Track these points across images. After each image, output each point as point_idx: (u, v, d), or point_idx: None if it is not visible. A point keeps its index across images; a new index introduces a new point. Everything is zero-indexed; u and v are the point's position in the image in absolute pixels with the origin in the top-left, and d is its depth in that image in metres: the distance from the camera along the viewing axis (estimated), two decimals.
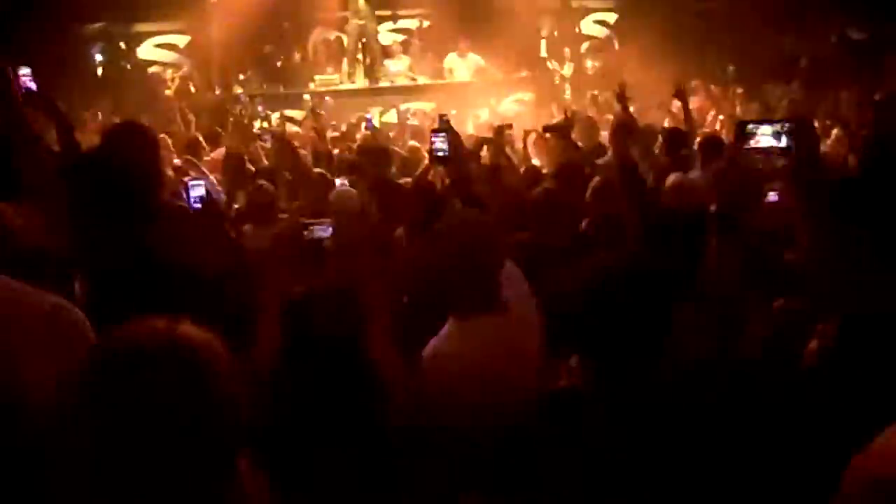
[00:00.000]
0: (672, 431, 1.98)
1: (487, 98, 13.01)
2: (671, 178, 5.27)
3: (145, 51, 13.89)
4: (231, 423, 1.29)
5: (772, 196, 5.15)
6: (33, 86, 3.05)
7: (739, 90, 11.51)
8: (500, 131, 6.02)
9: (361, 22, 13.43)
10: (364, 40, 13.60)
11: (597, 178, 5.09)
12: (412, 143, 8.23)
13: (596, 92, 11.80)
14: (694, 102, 10.49)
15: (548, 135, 6.71)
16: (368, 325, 2.28)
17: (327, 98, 12.17)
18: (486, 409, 2.29)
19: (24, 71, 3.05)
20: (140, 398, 1.22)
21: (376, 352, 2.18)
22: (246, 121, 11.34)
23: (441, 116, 4.51)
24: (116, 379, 1.23)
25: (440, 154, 4.10)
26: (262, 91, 13.24)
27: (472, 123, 11.00)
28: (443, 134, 4.12)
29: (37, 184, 2.49)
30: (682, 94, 7.64)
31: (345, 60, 13.70)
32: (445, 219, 2.60)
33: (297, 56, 13.62)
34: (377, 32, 13.88)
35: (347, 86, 13.48)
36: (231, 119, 10.58)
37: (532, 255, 3.78)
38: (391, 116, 12.31)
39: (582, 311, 2.11)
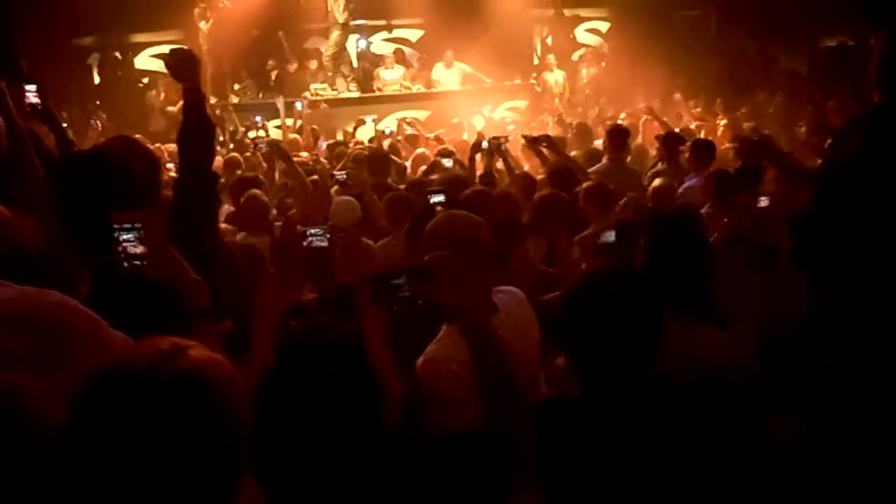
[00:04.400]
0: (660, 440, 2.00)
1: (482, 106, 13.08)
2: (657, 182, 5.33)
3: (142, 61, 13.95)
4: (236, 446, 1.26)
5: (763, 201, 5.21)
6: (37, 101, 3.13)
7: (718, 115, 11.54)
8: (497, 143, 6.13)
9: (338, 33, 13.51)
10: (335, 50, 13.65)
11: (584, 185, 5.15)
12: (420, 150, 8.28)
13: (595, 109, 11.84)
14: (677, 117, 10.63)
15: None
16: (367, 330, 2.29)
17: (298, 104, 12.17)
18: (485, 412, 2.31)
19: (30, 87, 3.14)
20: (141, 423, 1.19)
21: (375, 358, 2.18)
22: (231, 127, 11.41)
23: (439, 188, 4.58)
24: (117, 404, 1.20)
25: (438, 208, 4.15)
26: (257, 100, 13.29)
27: (467, 131, 11.06)
28: (441, 195, 4.18)
29: (32, 195, 2.52)
30: (651, 111, 8.31)
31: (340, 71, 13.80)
32: (434, 219, 2.61)
33: (292, 66, 13.65)
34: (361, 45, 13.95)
35: (330, 94, 13.52)
36: (226, 129, 10.65)
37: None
38: (386, 125, 12.38)
39: (565, 315, 2.15)
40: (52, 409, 1.22)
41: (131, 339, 1.44)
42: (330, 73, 13.58)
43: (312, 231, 2.95)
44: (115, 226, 2.13)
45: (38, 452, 1.23)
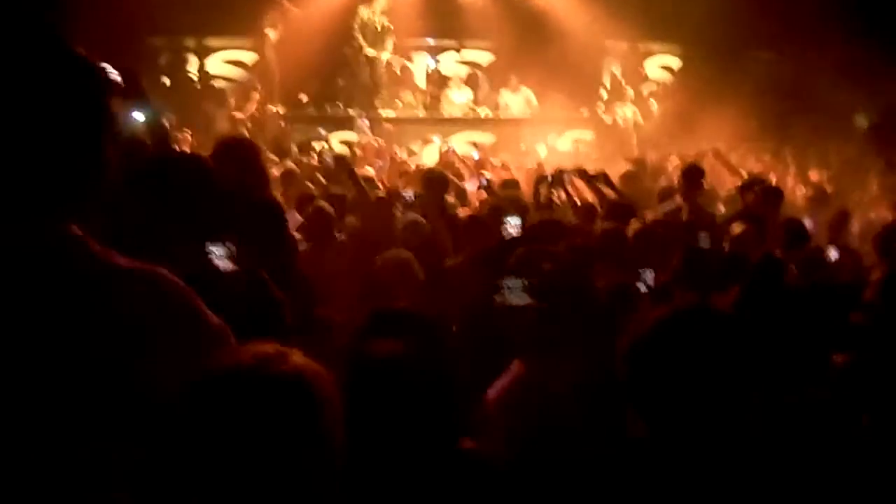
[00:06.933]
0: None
1: (546, 135, 13.04)
2: (737, 228, 5.22)
3: (213, 65, 14.19)
4: (331, 452, 1.29)
5: (833, 254, 5.13)
6: (118, 78, 3.06)
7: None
8: (560, 174, 6.14)
9: (372, 53, 13.48)
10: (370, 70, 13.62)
11: (635, 225, 5.08)
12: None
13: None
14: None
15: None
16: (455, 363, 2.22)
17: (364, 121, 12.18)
18: (557, 452, 2.26)
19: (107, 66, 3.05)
20: (245, 422, 1.22)
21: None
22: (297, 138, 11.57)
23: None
24: (223, 402, 1.24)
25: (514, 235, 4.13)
26: (323, 112, 13.43)
27: (531, 159, 11.07)
28: (518, 219, 4.17)
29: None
30: (718, 154, 8.35)
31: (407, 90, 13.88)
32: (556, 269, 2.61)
33: (366, 79, 13.63)
34: (388, 60, 13.80)
35: (392, 113, 13.57)
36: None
37: None
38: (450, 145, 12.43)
39: (630, 364, 1.94)
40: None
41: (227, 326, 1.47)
42: (386, 93, 13.67)
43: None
44: (209, 243, 2.16)
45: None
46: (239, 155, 3.01)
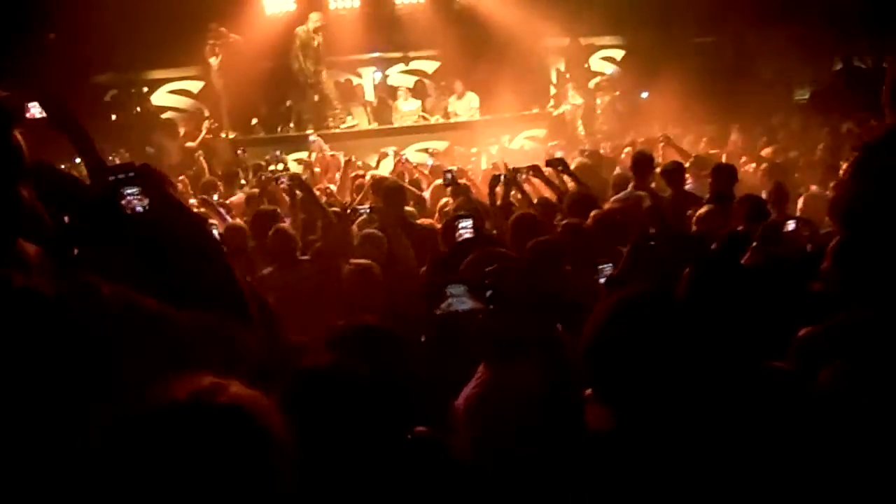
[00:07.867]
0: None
1: (500, 136, 13.10)
2: (703, 209, 5.27)
3: (159, 97, 14.07)
4: (276, 482, 1.24)
5: (790, 224, 5.20)
6: (40, 114, 2.90)
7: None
8: (514, 174, 6.16)
9: (314, 71, 13.39)
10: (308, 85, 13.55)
11: (595, 212, 5.11)
12: (438, 182, 8.25)
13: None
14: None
15: (549, 169, 6.72)
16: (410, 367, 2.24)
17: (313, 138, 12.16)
18: (522, 454, 2.27)
19: (32, 104, 2.92)
20: (182, 460, 1.17)
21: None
22: (252, 163, 11.52)
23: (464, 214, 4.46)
24: (158, 440, 1.18)
25: (467, 237, 4.11)
26: (275, 134, 13.37)
27: (485, 161, 11.09)
28: (469, 220, 4.16)
29: None
30: (667, 139, 8.45)
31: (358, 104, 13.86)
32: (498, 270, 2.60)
33: (314, 97, 13.62)
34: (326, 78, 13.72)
35: (345, 127, 13.58)
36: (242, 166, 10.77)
37: None
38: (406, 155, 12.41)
39: (591, 350, 1.95)
40: None
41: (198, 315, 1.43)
42: (337, 109, 13.64)
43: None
44: (112, 178, 1.98)
45: None
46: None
